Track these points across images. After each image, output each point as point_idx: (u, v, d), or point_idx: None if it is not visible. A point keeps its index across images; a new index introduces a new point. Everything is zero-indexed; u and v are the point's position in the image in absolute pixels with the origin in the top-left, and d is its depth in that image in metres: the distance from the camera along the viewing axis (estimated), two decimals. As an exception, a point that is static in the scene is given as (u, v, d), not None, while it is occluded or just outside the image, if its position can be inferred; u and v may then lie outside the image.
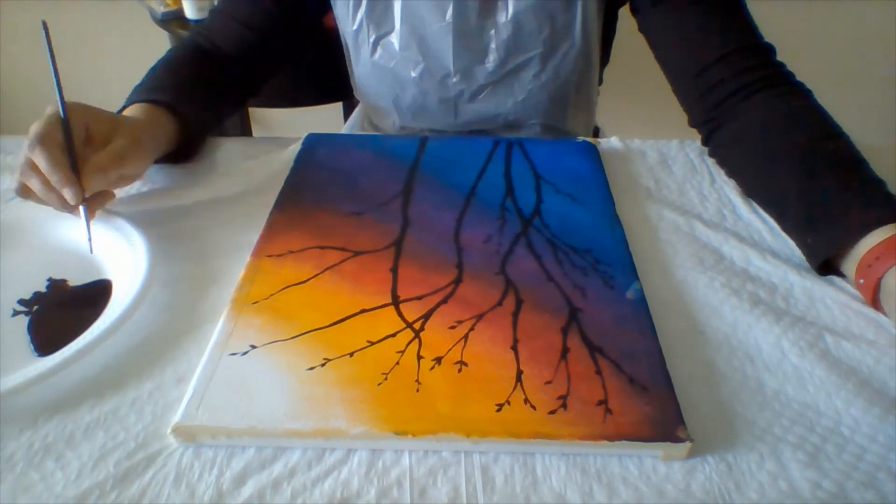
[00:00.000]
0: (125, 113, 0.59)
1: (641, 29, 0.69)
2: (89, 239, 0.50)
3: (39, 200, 0.51)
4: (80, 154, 0.50)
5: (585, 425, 0.38)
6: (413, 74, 0.73)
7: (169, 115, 0.61)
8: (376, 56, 0.73)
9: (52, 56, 0.52)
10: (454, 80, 0.73)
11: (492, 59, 0.71)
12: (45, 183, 0.49)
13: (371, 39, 0.73)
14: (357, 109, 0.96)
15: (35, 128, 0.49)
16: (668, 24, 0.66)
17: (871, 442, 0.39)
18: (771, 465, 0.37)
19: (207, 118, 0.68)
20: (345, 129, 0.97)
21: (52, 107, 0.51)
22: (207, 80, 0.68)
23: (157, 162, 0.62)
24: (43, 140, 0.48)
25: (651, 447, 0.37)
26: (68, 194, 0.48)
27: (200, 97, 0.66)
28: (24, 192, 0.51)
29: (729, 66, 0.62)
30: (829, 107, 0.60)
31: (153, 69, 0.67)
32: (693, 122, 0.67)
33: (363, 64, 0.76)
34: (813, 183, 0.54)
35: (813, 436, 0.39)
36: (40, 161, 0.48)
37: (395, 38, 0.72)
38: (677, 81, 0.67)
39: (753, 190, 0.60)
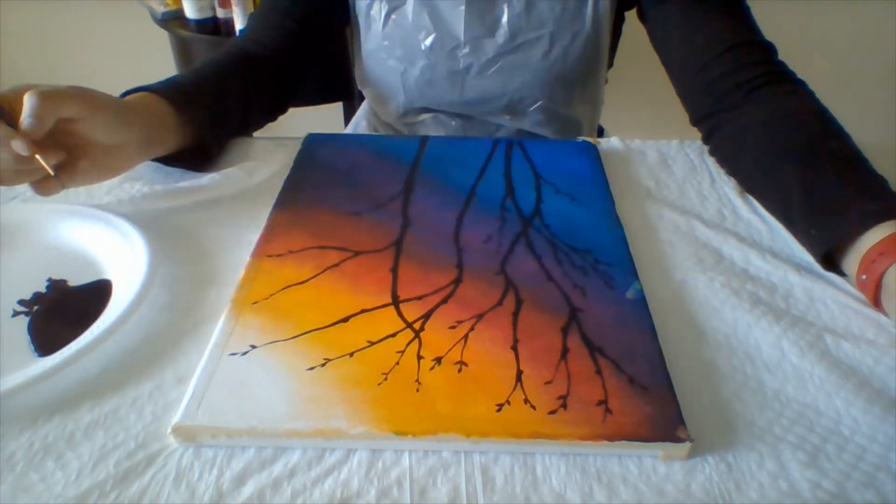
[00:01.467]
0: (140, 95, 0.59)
1: (645, 26, 0.71)
2: (49, 169, 0.50)
3: (5, 182, 0.49)
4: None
5: (585, 425, 0.38)
6: (424, 45, 0.74)
7: (168, 106, 0.59)
8: (388, 28, 0.75)
9: None
10: (464, 51, 0.74)
11: (502, 33, 0.73)
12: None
13: (384, 13, 0.74)
14: (361, 108, 0.96)
15: None
16: (671, 22, 0.67)
17: (871, 442, 0.39)
18: (771, 465, 0.37)
19: (229, 119, 0.66)
20: (349, 127, 0.97)
21: None
22: (243, 79, 0.68)
23: (173, 163, 0.62)
24: None
25: (651, 447, 0.37)
26: (18, 146, 0.46)
27: (226, 96, 0.65)
28: None
29: (729, 63, 0.62)
30: (828, 106, 0.60)
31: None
32: (694, 121, 0.67)
33: (373, 39, 0.77)
34: (815, 178, 0.53)
35: (813, 436, 0.39)
36: None
37: (408, 10, 0.73)
38: (678, 79, 0.68)
39: (754, 187, 0.60)
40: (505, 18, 0.72)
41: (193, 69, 0.67)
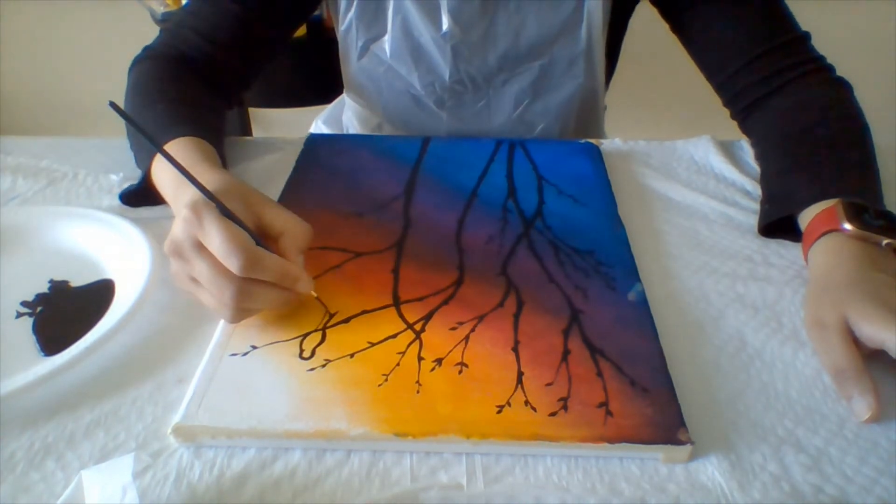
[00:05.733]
0: (180, 146, 0.52)
1: (674, 30, 0.69)
2: (326, 309, 0.45)
3: (256, 313, 0.44)
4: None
5: (586, 427, 0.38)
6: (403, 83, 0.71)
7: (213, 149, 0.55)
8: (364, 60, 0.71)
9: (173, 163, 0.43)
10: (448, 91, 0.71)
11: (489, 71, 0.70)
12: (271, 291, 0.42)
13: (359, 43, 0.70)
14: (338, 103, 0.94)
15: (224, 245, 0.39)
16: (702, 25, 0.66)
17: (874, 446, 0.38)
18: (774, 467, 0.37)
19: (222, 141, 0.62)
20: (322, 116, 0.95)
21: (206, 211, 0.40)
22: (201, 98, 0.63)
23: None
24: (253, 255, 0.40)
25: (652, 450, 0.37)
26: (304, 287, 0.42)
27: (214, 120, 0.62)
28: (244, 315, 0.43)
29: (766, 67, 0.63)
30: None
31: (155, 92, 0.60)
32: (725, 104, 0.69)
33: (352, 64, 0.73)
34: (783, 160, 0.58)
35: (816, 439, 0.39)
36: (265, 276, 0.41)
37: (386, 44, 0.69)
38: (714, 78, 0.68)
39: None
40: (491, 57, 0.69)
41: (168, 98, 0.59)
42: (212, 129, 0.58)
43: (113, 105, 0.42)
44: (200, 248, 0.40)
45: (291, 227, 0.44)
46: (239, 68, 0.67)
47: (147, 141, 0.51)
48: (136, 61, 0.65)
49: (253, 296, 0.41)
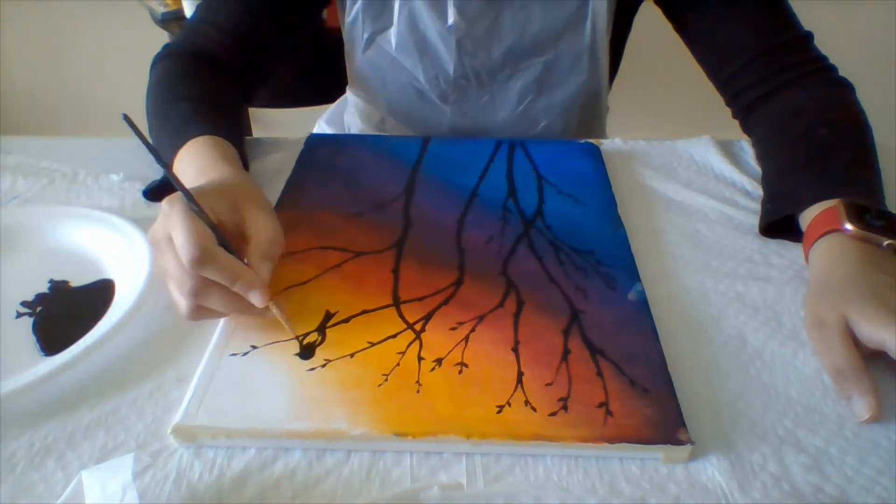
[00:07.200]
0: (200, 144, 0.53)
1: (677, 29, 0.70)
2: (292, 330, 0.44)
3: (216, 315, 0.44)
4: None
5: (586, 427, 0.38)
6: (407, 76, 0.72)
7: (233, 148, 0.56)
8: (369, 52, 0.72)
9: (156, 153, 0.44)
10: (452, 85, 0.71)
11: (493, 66, 0.70)
12: (225, 295, 0.42)
13: (365, 35, 0.71)
14: (340, 102, 0.94)
15: (182, 238, 0.40)
16: (705, 25, 0.66)
17: (874, 446, 0.38)
18: (774, 467, 0.37)
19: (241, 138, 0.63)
20: (325, 116, 0.95)
21: (176, 205, 0.41)
22: (221, 96, 0.64)
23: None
24: (207, 252, 0.40)
25: (652, 450, 0.37)
26: (256, 298, 0.42)
27: (234, 117, 0.63)
28: (200, 313, 0.42)
29: (768, 66, 0.63)
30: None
31: (176, 88, 0.61)
32: (727, 102, 0.69)
33: (357, 57, 0.74)
34: (783, 161, 0.58)
35: (816, 439, 0.39)
36: (216, 276, 0.41)
37: (392, 36, 0.70)
38: (716, 78, 0.68)
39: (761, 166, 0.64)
40: (496, 52, 0.69)
41: (190, 96, 0.61)
42: (231, 126, 0.60)
43: (126, 119, 0.43)
44: (170, 241, 0.41)
45: (259, 234, 0.44)
46: (257, 62, 0.69)
47: (168, 139, 0.55)
48: (158, 59, 0.66)
49: (208, 296, 0.41)
